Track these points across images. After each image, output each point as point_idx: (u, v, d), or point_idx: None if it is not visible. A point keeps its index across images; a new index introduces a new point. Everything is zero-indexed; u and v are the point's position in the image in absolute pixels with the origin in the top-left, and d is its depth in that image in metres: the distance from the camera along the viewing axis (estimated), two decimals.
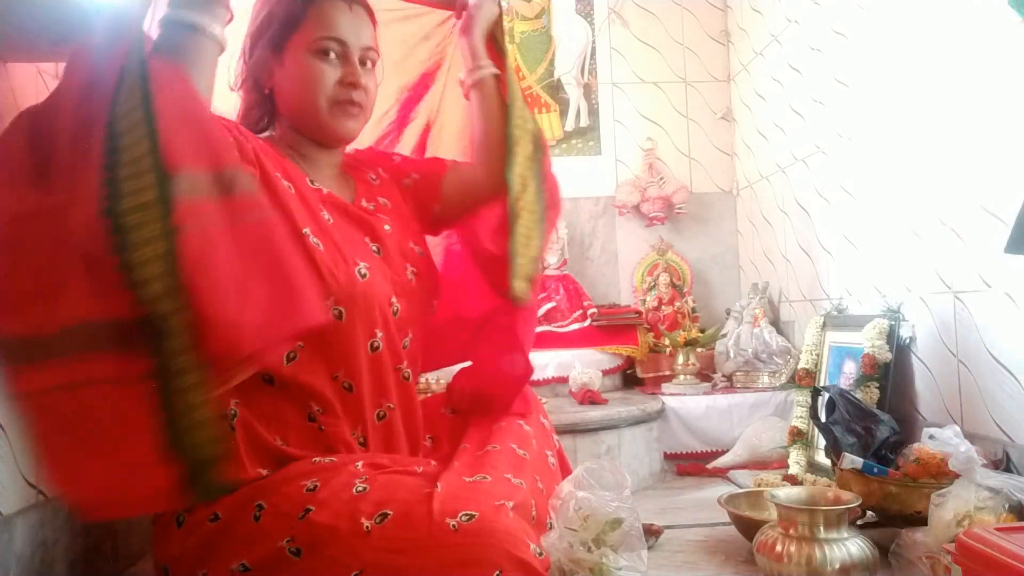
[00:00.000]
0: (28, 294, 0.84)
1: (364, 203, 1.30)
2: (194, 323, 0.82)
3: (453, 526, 0.95)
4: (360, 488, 1.02)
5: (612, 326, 2.74)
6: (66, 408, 0.83)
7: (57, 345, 0.83)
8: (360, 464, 1.08)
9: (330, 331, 1.14)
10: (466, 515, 0.96)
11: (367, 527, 0.96)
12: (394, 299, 1.24)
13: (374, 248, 1.25)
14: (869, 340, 1.89)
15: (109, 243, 0.81)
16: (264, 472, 1.09)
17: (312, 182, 1.23)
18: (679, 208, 3.05)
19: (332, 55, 1.22)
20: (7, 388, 0.83)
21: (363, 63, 1.27)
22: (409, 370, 1.28)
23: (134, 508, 0.89)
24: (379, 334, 1.21)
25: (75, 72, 0.90)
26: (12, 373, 0.83)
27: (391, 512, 0.97)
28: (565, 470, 1.39)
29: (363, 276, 1.19)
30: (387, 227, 1.30)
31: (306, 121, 1.25)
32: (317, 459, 1.10)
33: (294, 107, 1.25)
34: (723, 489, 1.88)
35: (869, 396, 1.82)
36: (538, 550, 0.99)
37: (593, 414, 2.18)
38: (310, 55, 1.21)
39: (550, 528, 1.16)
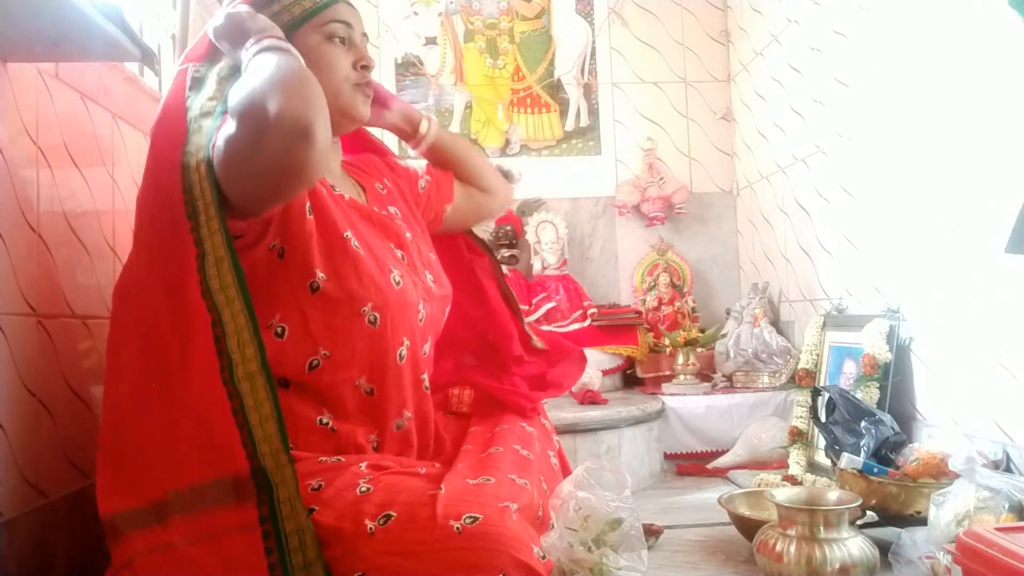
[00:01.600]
0: (153, 463, 0.99)
1: (376, 209, 1.31)
2: (295, 475, 0.97)
3: (457, 529, 0.95)
4: (364, 489, 1.02)
5: (612, 326, 2.74)
6: (194, 558, 0.95)
7: (187, 502, 0.96)
8: (364, 465, 1.08)
9: (362, 338, 1.15)
10: (470, 518, 0.96)
11: (371, 528, 0.96)
12: (421, 306, 1.25)
13: (399, 255, 1.26)
14: (869, 340, 1.89)
15: (231, 406, 0.97)
16: None
17: (334, 188, 1.23)
18: (679, 208, 3.05)
19: (338, 40, 1.23)
20: (128, 551, 0.96)
21: None
22: (428, 380, 1.28)
23: None
24: (406, 342, 1.21)
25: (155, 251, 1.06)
26: (139, 536, 0.96)
27: (395, 514, 0.97)
28: (565, 470, 1.39)
29: (397, 284, 1.19)
30: (408, 235, 1.31)
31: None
32: (323, 459, 1.10)
33: None
34: (723, 489, 1.88)
35: (869, 396, 1.82)
36: (541, 553, 0.98)
37: (593, 414, 2.18)
38: (322, 39, 1.21)
39: (551, 528, 1.16)
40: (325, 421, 1.15)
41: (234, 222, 1.05)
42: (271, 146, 0.97)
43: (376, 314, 1.15)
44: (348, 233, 1.15)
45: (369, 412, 1.18)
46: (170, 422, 0.99)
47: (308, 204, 1.12)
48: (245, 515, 0.95)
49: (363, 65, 1.25)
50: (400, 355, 1.20)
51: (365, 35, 1.29)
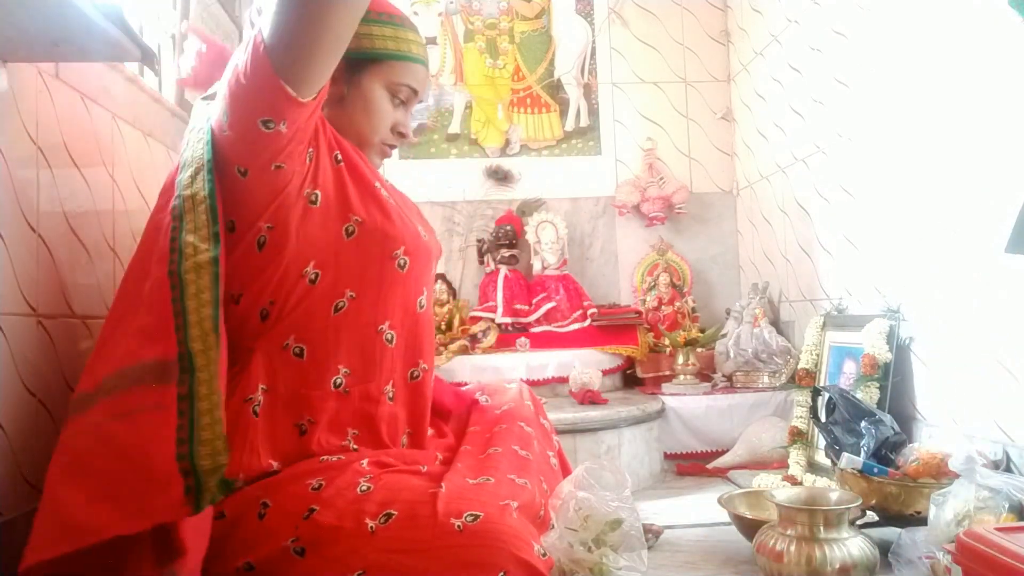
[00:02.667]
0: (106, 351, 1.04)
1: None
2: (216, 360, 0.99)
3: (458, 527, 0.95)
4: (364, 488, 1.02)
5: (612, 326, 2.74)
6: (111, 434, 0.97)
7: (112, 383, 1.00)
8: (365, 462, 1.08)
9: (390, 282, 1.18)
10: (471, 515, 0.96)
11: (371, 527, 0.96)
12: (433, 262, 1.31)
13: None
14: (869, 340, 1.89)
15: (171, 295, 1.00)
16: (275, 464, 1.09)
17: None
18: (679, 208, 3.05)
19: (399, 100, 1.27)
20: (65, 433, 1.01)
21: None
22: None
23: (148, 519, 0.93)
24: (425, 292, 1.26)
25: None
26: (73, 419, 1.01)
27: (395, 512, 0.98)
28: (565, 471, 1.39)
29: (424, 235, 1.25)
30: (412, 202, 1.37)
31: (347, 139, 1.25)
32: (325, 457, 1.10)
33: (344, 124, 1.25)
34: (723, 489, 1.88)
35: (869, 396, 1.82)
36: (542, 551, 0.99)
37: (593, 414, 2.18)
38: (384, 89, 1.25)
39: (551, 528, 1.16)
40: (339, 382, 1.15)
41: (281, 148, 1.05)
42: None
43: (407, 259, 1.19)
44: (378, 184, 1.21)
45: (388, 361, 1.20)
46: (127, 315, 1.05)
47: (336, 153, 1.17)
48: (165, 394, 0.97)
49: (400, 132, 1.29)
50: (420, 304, 1.24)
51: (421, 100, 1.34)
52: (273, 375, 1.12)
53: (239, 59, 1.03)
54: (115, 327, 1.06)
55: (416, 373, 1.24)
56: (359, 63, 1.22)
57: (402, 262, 1.19)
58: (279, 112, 1.02)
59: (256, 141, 1.04)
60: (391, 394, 1.20)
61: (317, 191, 1.12)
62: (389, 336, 1.19)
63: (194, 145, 1.09)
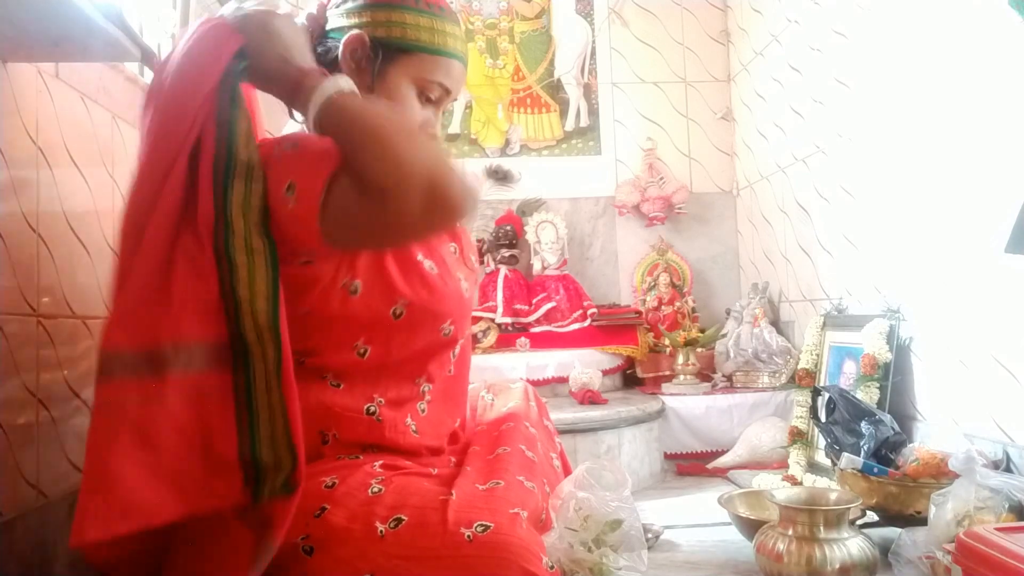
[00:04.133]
0: (157, 311, 0.95)
1: None
2: (275, 358, 0.95)
3: (468, 536, 0.95)
4: (376, 489, 1.02)
5: (612, 326, 2.74)
6: (179, 413, 0.92)
7: (178, 357, 0.93)
8: (378, 464, 1.08)
9: (436, 348, 1.17)
10: (481, 526, 0.96)
11: (381, 531, 0.96)
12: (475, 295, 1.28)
13: (453, 248, 1.23)
14: (869, 340, 1.89)
15: (219, 274, 0.94)
16: None
17: None
18: (679, 208, 3.05)
19: (428, 99, 1.16)
20: (122, 395, 0.92)
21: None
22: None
23: (204, 505, 0.92)
24: (460, 341, 1.24)
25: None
26: (130, 383, 0.92)
27: (405, 518, 0.97)
28: (567, 472, 1.39)
29: (466, 291, 1.20)
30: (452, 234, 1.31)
31: None
32: (341, 456, 1.10)
33: None
34: (723, 489, 1.88)
35: (869, 396, 1.82)
36: (550, 563, 0.98)
37: (593, 414, 2.18)
38: (412, 85, 1.14)
39: (551, 528, 1.16)
40: (373, 410, 1.14)
41: (311, 251, 1.02)
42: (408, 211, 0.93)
43: (452, 327, 1.17)
44: (420, 256, 1.13)
45: (418, 395, 1.20)
46: (182, 284, 0.95)
47: None
48: (224, 381, 0.94)
49: (428, 134, 1.19)
50: (453, 354, 1.23)
51: (455, 100, 1.24)
52: (306, 392, 1.10)
53: (284, 180, 0.97)
54: (155, 279, 0.95)
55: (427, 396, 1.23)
56: (389, 53, 1.11)
57: (448, 331, 1.17)
58: (313, 253, 1.02)
59: (284, 245, 1.00)
60: (414, 427, 1.20)
61: (356, 280, 1.06)
62: (425, 388, 1.20)
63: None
